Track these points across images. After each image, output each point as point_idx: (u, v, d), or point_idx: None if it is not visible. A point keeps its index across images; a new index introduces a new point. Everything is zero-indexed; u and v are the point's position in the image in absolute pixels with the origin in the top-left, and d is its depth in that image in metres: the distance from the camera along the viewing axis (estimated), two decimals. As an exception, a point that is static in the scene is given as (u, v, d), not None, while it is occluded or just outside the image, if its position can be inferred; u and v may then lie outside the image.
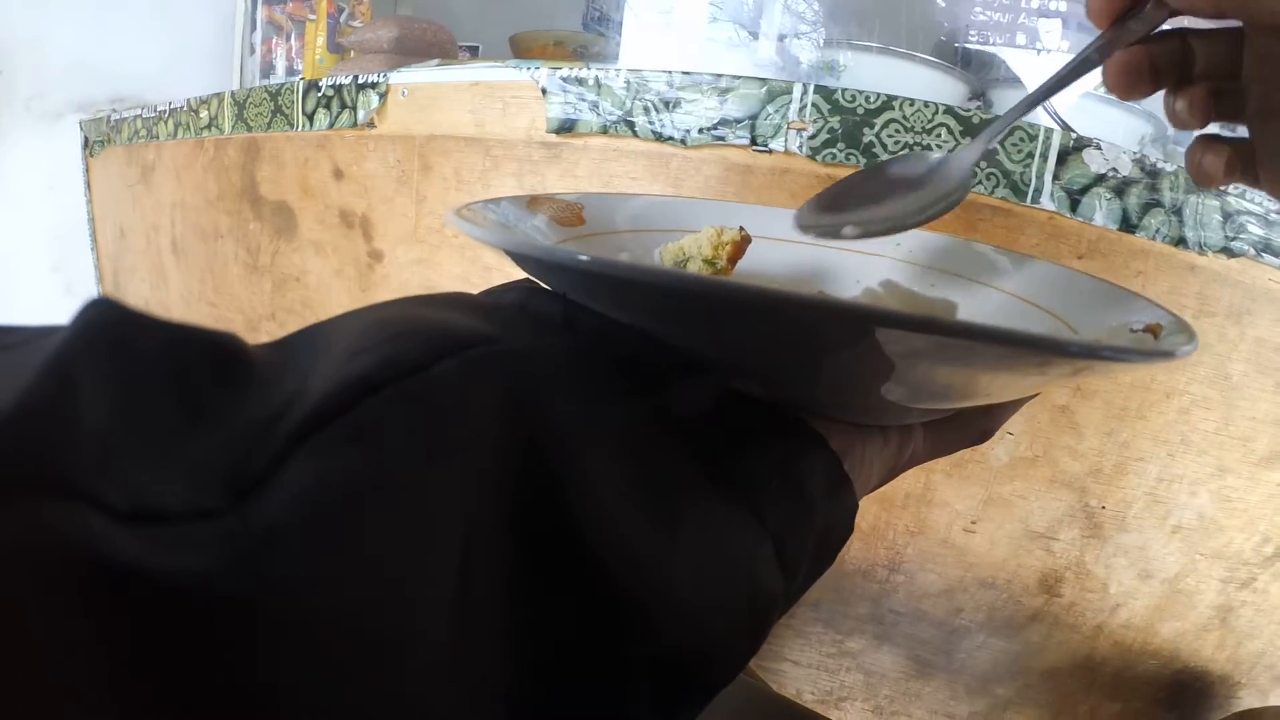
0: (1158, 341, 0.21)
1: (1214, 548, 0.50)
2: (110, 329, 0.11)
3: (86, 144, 1.21)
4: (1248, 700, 0.56)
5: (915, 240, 0.30)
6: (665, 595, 0.15)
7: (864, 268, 0.31)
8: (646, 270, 0.16)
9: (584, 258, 0.16)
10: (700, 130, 0.48)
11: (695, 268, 0.26)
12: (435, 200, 0.59)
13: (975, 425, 0.25)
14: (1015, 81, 0.67)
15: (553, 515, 0.14)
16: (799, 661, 0.58)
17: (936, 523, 0.51)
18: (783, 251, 0.31)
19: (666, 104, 0.49)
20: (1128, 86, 0.25)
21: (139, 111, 0.99)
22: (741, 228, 0.27)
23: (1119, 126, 0.61)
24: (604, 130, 0.51)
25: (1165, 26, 0.25)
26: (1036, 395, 0.25)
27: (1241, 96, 0.24)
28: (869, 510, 0.52)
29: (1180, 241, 0.45)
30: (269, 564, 0.10)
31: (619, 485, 0.15)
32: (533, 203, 0.27)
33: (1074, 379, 0.44)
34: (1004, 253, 0.29)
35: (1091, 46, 0.25)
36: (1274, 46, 0.22)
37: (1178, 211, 0.45)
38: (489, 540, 0.13)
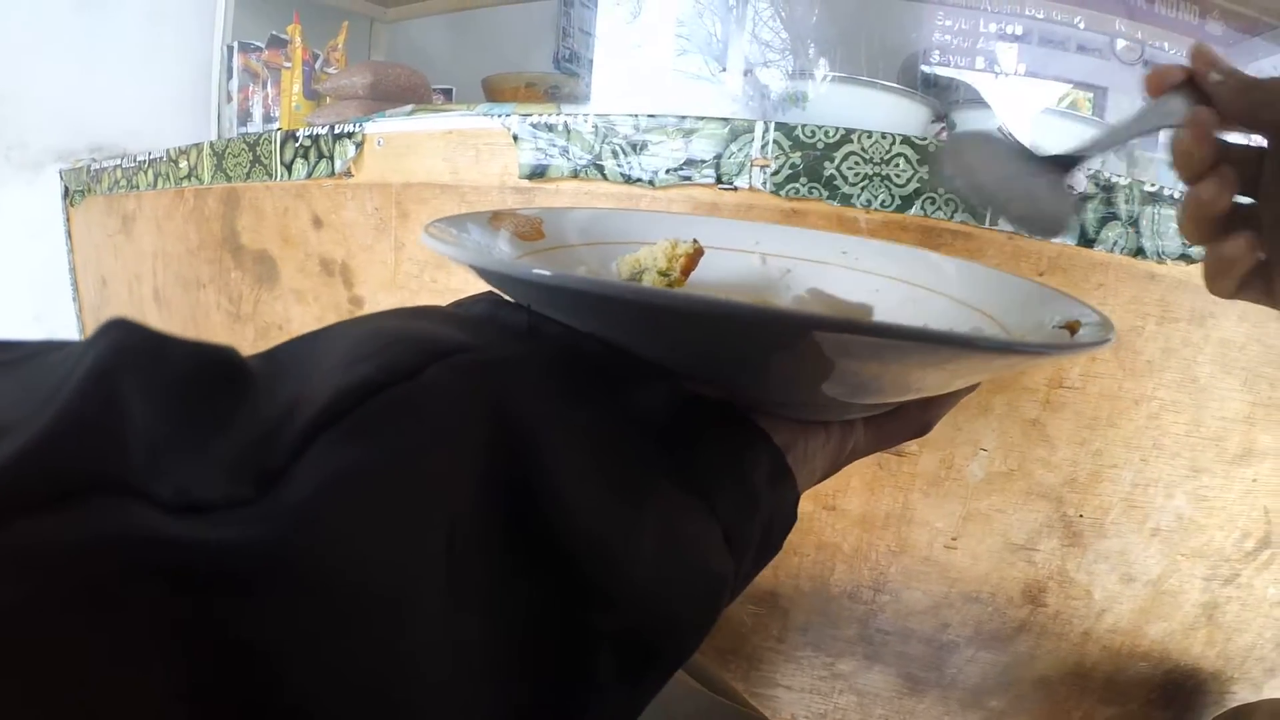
0: (1075, 336, 0.23)
1: (1194, 547, 0.51)
2: (143, 346, 0.13)
3: (67, 194, 1.21)
4: (1242, 694, 0.57)
5: (862, 248, 0.32)
6: (629, 578, 0.17)
7: (813, 276, 0.32)
8: (603, 284, 0.17)
9: (546, 273, 0.17)
10: (667, 171, 0.49)
11: (650, 279, 0.27)
12: (414, 247, 0.60)
13: (914, 419, 0.26)
14: (978, 102, 0.68)
15: (528, 503, 0.16)
16: (791, 686, 0.58)
17: (918, 541, 0.51)
18: (735, 261, 0.32)
19: (634, 147, 0.50)
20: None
21: (119, 161, 1.00)
22: (695, 239, 0.28)
23: (1076, 141, 0.62)
24: (575, 174, 0.52)
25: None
26: (975, 389, 0.27)
27: (1256, 212, 0.24)
28: (850, 532, 0.52)
29: (1139, 252, 0.47)
30: (298, 537, 0.12)
31: (587, 477, 0.17)
32: (495, 219, 0.28)
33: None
34: (942, 258, 0.31)
35: (1142, 116, 0.26)
36: None
37: (1134, 222, 0.46)
38: (473, 523, 0.15)
